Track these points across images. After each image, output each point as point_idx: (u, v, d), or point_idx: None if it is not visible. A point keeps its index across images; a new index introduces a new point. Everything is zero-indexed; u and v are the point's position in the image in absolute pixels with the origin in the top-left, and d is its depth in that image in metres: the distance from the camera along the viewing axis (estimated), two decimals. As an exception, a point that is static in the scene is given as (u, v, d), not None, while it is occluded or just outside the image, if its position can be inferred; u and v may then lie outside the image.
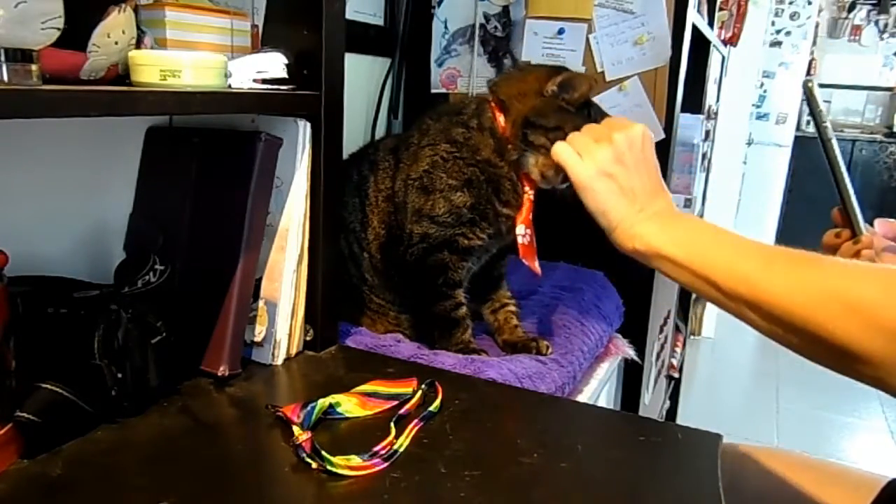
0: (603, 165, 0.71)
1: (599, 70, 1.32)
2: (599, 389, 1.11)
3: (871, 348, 0.49)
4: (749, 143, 3.86)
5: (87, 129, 0.85)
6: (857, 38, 5.45)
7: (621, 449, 0.71)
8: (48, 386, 0.62)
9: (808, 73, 4.55)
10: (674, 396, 2.29)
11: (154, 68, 0.66)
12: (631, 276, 1.31)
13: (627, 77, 1.31)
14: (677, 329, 2.22)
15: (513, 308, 1.07)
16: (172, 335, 0.73)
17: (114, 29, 0.65)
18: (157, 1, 0.75)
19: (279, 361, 0.85)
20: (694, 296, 2.62)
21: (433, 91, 1.50)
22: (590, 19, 1.30)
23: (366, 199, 1.02)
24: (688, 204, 1.89)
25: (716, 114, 2.28)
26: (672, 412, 2.31)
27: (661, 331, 1.73)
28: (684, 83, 1.35)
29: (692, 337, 3.24)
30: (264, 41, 0.85)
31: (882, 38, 5.41)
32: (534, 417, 0.78)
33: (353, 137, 1.23)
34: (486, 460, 0.65)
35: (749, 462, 0.89)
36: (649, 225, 0.68)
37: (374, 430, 0.68)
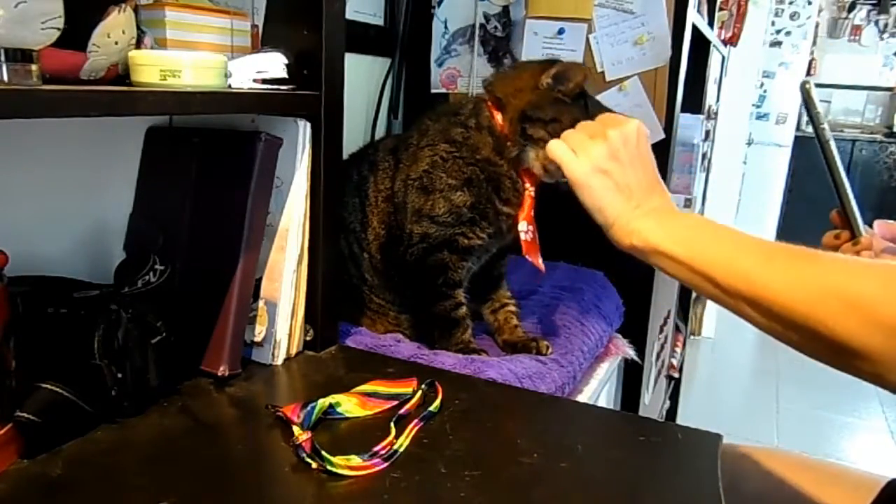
0: (598, 162, 0.70)
1: (599, 70, 1.32)
2: (599, 389, 1.12)
3: (871, 344, 0.49)
4: (749, 143, 3.86)
5: (87, 129, 0.85)
6: (857, 38, 5.45)
7: (621, 449, 0.71)
8: (48, 386, 0.62)
9: (808, 73, 4.55)
10: (674, 396, 2.29)
11: (154, 68, 0.66)
12: (631, 276, 1.31)
13: (627, 77, 1.31)
14: (677, 329, 2.22)
15: (513, 308, 1.07)
16: (172, 335, 0.73)
17: (114, 29, 0.65)
18: (157, 1, 0.75)
19: (279, 361, 0.85)
20: (694, 295, 2.63)
21: (433, 91, 1.50)
22: (590, 19, 1.30)
23: (366, 199, 1.02)
24: (688, 204, 1.89)
25: (716, 114, 2.28)
26: (672, 412, 2.31)
27: (661, 331, 1.73)
28: (684, 83, 1.35)
29: (692, 337, 3.24)
30: (264, 41, 0.85)
31: (882, 38, 5.41)
32: (534, 417, 0.78)
33: (353, 137, 1.23)
34: (486, 460, 0.65)
35: (748, 463, 0.88)
36: (646, 221, 0.68)
37: (374, 430, 0.68)
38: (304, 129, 0.81)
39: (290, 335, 0.85)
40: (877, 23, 5.40)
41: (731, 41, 2.32)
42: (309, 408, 0.69)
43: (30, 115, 0.55)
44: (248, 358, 0.85)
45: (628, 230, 0.68)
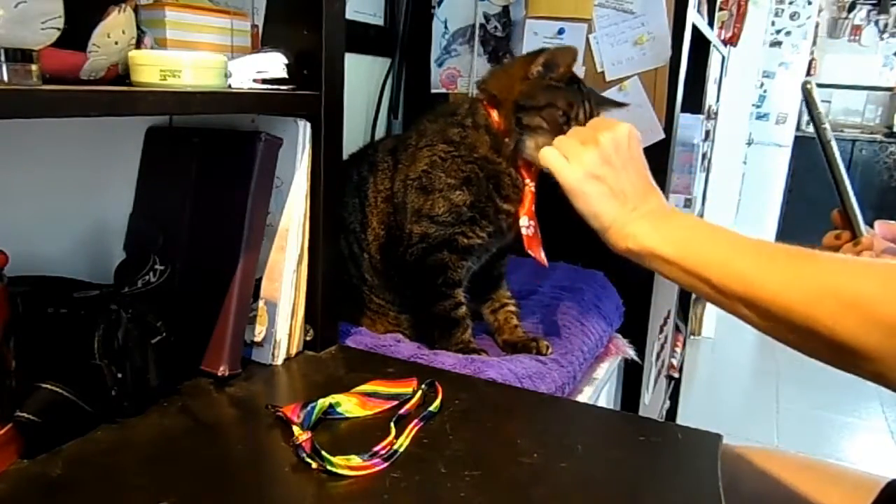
0: (591, 168, 0.70)
1: (599, 70, 1.32)
2: (599, 389, 1.11)
3: (869, 343, 0.49)
4: (749, 143, 3.86)
5: (87, 129, 0.85)
6: (857, 38, 5.45)
7: (621, 449, 0.71)
8: (48, 386, 0.62)
9: (808, 73, 4.55)
10: (674, 396, 2.29)
11: (154, 68, 0.66)
12: (631, 276, 1.31)
13: (627, 77, 1.31)
14: (677, 329, 2.22)
15: (513, 308, 1.07)
16: (172, 335, 0.73)
17: (114, 29, 0.65)
18: (157, 1, 0.75)
19: (279, 361, 0.85)
20: (694, 295, 2.62)
21: (433, 91, 1.50)
22: (590, 19, 1.30)
23: (365, 199, 1.02)
24: (688, 204, 1.89)
25: (716, 114, 2.28)
26: (672, 412, 2.31)
27: (661, 331, 1.73)
28: (684, 83, 1.35)
29: (692, 337, 3.24)
30: (264, 41, 0.85)
31: (882, 38, 5.41)
32: (534, 417, 0.78)
33: (353, 137, 1.23)
34: (486, 460, 0.65)
35: (748, 463, 0.88)
36: (642, 224, 0.68)
37: (374, 430, 0.68)
38: (304, 129, 0.81)
39: (290, 335, 0.85)
40: (877, 23, 5.40)
41: (731, 41, 2.32)
42: (309, 408, 0.69)
43: (30, 115, 0.55)
44: (248, 358, 0.85)
45: (624, 234, 0.68)
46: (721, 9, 2.07)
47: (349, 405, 0.73)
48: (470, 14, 1.44)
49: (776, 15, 4.02)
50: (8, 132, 0.77)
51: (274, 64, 0.78)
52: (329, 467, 0.61)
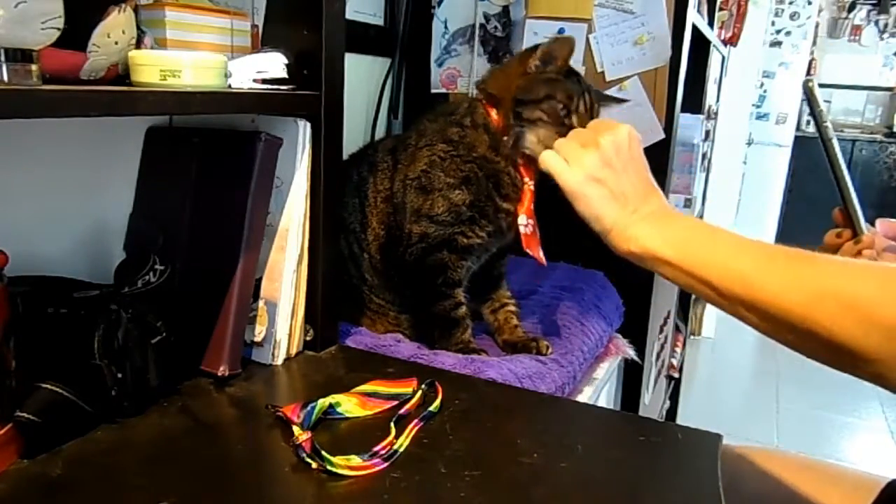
0: (591, 171, 0.70)
1: (599, 70, 1.32)
2: (599, 389, 1.11)
3: (869, 345, 0.49)
4: (749, 143, 3.86)
5: (87, 129, 0.85)
6: (857, 38, 5.45)
7: (621, 449, 0.71)
8: (48, 386, 0.62)
9: (808, 73, 4.55)
10: (674, 396, 2.29)
11: (154, 68, 0.66)
12: (631, 277, 1.31)
13: (627, 77, 1.31)
14: (677, 329, 2.22)
15: (513, 308, 1.07)
16: (172, 335, 0.73)
17: (114, 29, 0.65)
18: (157, 1, 0.75)
19: (279, 361, 0.85)
20: (694, 296, 2.62)
21: (433, 91, 1.50)
22: (590, 19, 1.30)
23: (365, 199, 1.02)
24: (688, 204, 1.89)
25: (716, 114, 2.28)
26: (672, 412, 2.31)
27: (661, 331, 1.73)
28: (684, 83, 1.35)
29: (692, 337, 3.24)
30: (264, 41, 0.85)
31: (882, 38, 5.41)
32: (534, 417, 0.78)
33: (353, 137, 1.23)
34: (486, 460, 0.65)
35: (748, 463, 0.89)
36: (643, 226, 0.68)
37: (374, 430, 0.68)
38: (304, 129, 0.81)
39: (290, 335, 0.85)
40: (877, 23, 5.40)
41: (731, 41, 2.32)
42: (309, 408, 0.69)
43: (30, 115, 0.55)
44: (248, 358, 0.85)
45: (625, 237, 0.68)
46: (721, 9, 2.07)
47: (349, 405, 0.73)
48: (470, 14, 1.44)
49: (776, 15, 4.02)
50: (8, 132, 0.77)
51: (274, 64, 0.78)
52: (329, 467, 0.61)
